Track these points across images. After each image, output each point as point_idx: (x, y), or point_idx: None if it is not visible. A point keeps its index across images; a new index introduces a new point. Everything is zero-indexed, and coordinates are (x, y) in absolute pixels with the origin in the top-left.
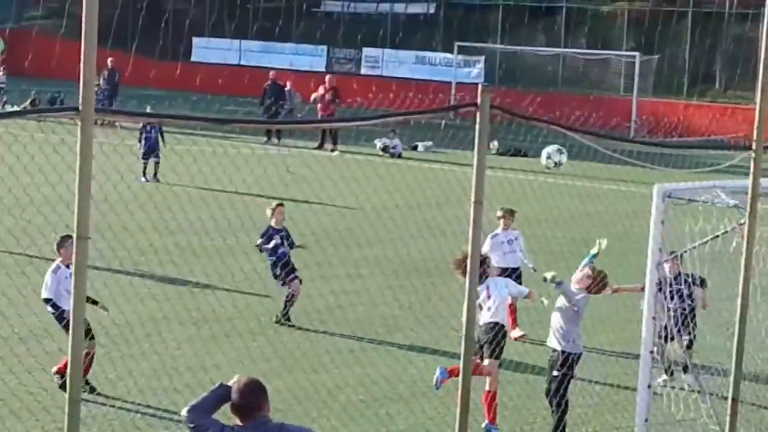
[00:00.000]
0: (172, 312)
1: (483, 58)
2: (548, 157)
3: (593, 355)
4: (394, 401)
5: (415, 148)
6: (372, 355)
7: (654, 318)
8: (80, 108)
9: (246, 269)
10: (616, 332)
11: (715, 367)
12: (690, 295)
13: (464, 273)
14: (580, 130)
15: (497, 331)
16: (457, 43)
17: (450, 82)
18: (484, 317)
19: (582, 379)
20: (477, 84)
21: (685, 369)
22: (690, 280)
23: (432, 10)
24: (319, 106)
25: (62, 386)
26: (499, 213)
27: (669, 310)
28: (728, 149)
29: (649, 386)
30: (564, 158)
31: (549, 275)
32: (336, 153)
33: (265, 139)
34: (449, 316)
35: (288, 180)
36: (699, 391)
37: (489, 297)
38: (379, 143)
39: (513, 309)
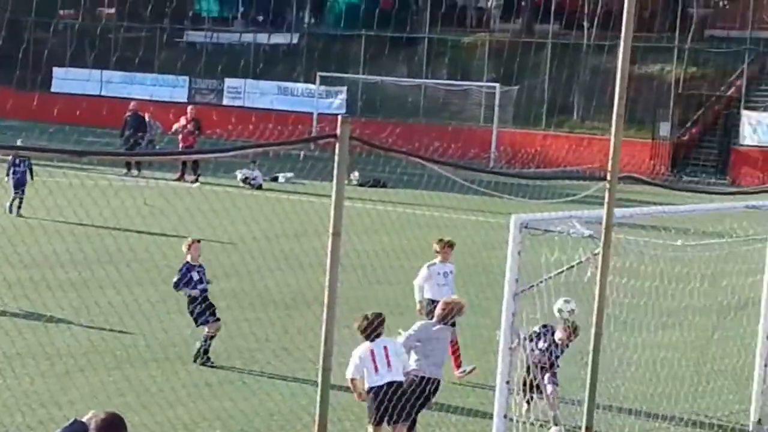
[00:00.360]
0: (26, 347)
1: (345, 88)
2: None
3: (450, 386)
4: None
5: (275, 179)
6: (229, 388)
7: (511, 348)
8: None
9: (101, 303)
10: (473, 362)
11: (570, 397)
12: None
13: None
14: (438, 162)
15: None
16: (318, 74)
17: (312, 113)
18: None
19: (439, 409)
20: (338, 115)
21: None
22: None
23: (295, 41)
24: (180, 137)
25: None
26: (438, 246)
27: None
28: (584, 179)
29: (505, 416)
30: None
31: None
32: (197, 185)
33: (125, 170)
34: (306, 348)
35: (145, 212)
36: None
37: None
38: (239, 174)
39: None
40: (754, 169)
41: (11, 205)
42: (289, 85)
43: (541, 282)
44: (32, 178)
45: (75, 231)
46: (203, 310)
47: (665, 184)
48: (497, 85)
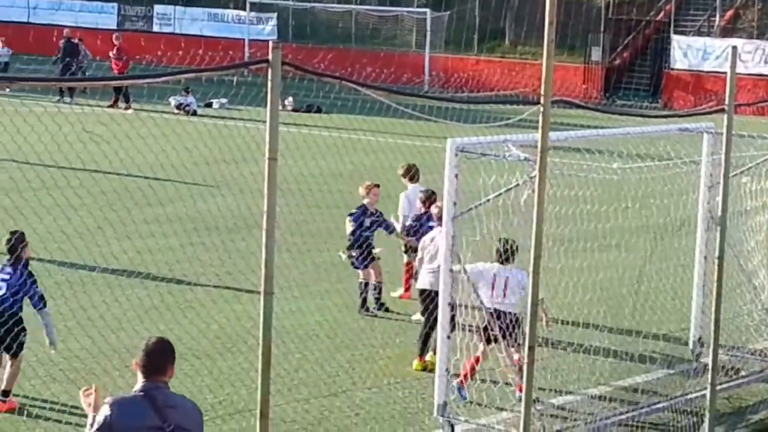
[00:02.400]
0: None
1: (275, 14)
2: None
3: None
4: (198, 357)
5: (209, 105)
6: (174, 312)
7: (451, 270)
8: None
9: (39, 231)
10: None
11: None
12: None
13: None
14: (372, 86)
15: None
16: (249, 0)
17: (243, 40)
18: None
19: (383, 332)
20: (269, 41)
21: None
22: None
23: None
24: (111, 63)
25: None
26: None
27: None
28: (517, 104)
29: (448, 337)
30: None
31: None
32: (131, 111)
33: (58, 97)
34: (248, 272)
35: (85, 139)
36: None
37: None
38: (173, 101)
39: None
40: (685, 93)
41: None
42: (219, 11)
43: (479, 205)
44: None
45: (15, 157)
46: (365, 256)
47: (599, 107)
48: (428, 10)
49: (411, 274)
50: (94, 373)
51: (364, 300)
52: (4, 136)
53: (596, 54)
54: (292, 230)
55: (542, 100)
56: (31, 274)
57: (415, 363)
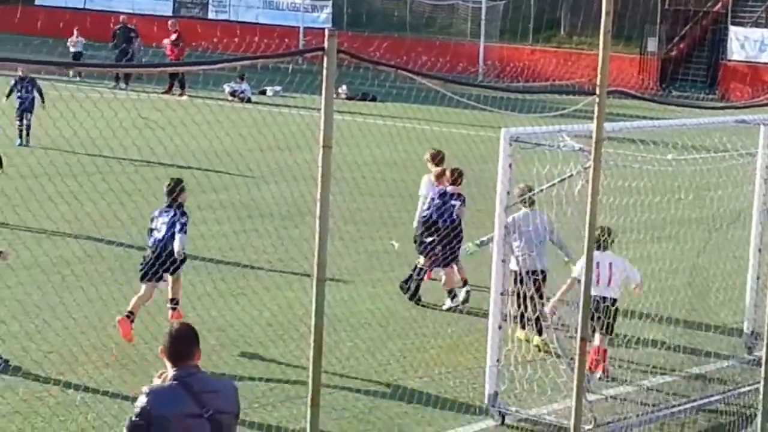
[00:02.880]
0: (18, 259)
1: (330, 2)
2: None
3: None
4: (249, 344)
5: (263, 92)
6: (227, 298)
7: (504, 261)
8: None
9: (94, 215)
10: (468, 273)
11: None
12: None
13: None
14: (427, 75)
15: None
16: None
17: (297, 27)
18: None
19: (435, 321)
20: (325, 28)
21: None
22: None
23: None
24: (166, 50)
25: None
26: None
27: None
28: (573, 94)
29: (500, 327)
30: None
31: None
32: (185, 98)
33: (113, 83)
34: (301, 259)
35: (140, 125)
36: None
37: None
38: (227, 88)
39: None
40: (743, 84)
41: (21, 135)
42: None
43: (533, 195)
44: (43, 101)
45: (71, 142)
46: (429, 242)
47: (655, 98)
48: None
49: None
50: (147, 359)
51: (417, 287)
52: (61, 121)
53: (652, 45)
54: (345, 218)
55: (598, 91)
56: (184, 214)
57: (536, 339)
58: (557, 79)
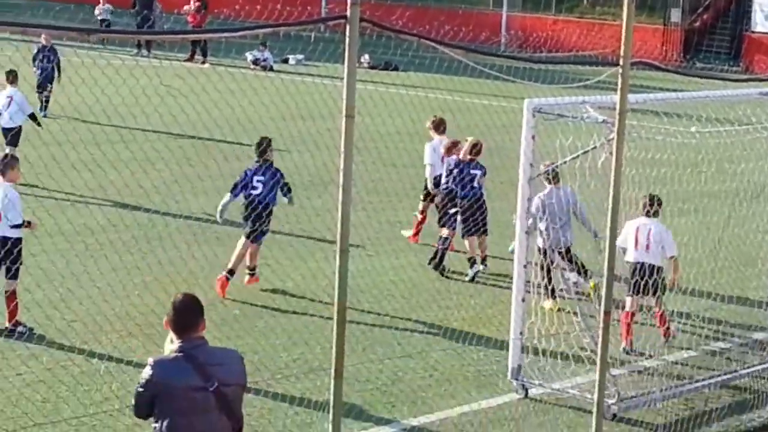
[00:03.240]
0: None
1: None
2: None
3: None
4: (273, 315)
5: (286, 61)
6: None
7: (527, 233)
8: None
9: (117, 183)
10: (490, 248)
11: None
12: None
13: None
14: (450, 44)
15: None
16: None
17: None
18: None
19: (458, 293)
20: None
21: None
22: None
23: None
24: (188, 17)
25: None
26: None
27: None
28: (596, 65)
29: (523, 300)
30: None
31: None
32: (207, 65)
33: (135, 50)
34: (324, 230)
35: (162, 92)
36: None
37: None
38: (249, 56)
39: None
40: (767, 56)
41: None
42: None
43: (556, 166)
44: (60, 75)
45: (93, 110)
46: (451, 215)
47: (678, 70)
48: None
49: (424, 220)
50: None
51: (442, 257)
52: (83, 88)
53: (675, 15)
54: (368, 188)
55: (621, 62)
56: (278, 170)
57: (548, 303)
58: (580, 50)
